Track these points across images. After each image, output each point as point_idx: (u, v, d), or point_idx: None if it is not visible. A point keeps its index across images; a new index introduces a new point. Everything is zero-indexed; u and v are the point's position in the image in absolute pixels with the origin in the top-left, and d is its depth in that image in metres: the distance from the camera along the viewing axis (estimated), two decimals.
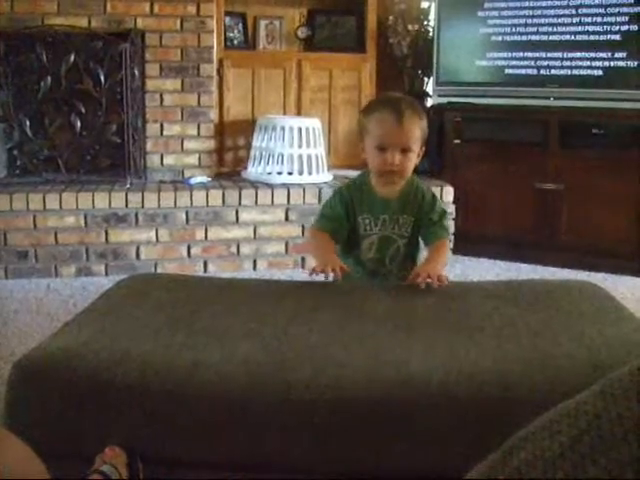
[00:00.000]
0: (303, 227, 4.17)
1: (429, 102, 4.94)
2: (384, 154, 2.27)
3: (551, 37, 4.32)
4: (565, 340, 1.73)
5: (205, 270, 4.11)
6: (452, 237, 4.08)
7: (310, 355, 1.67)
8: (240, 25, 4.94)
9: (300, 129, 4.36)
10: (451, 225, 4.24)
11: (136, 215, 4.02)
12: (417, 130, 2.29)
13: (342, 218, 2.39)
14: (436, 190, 4.07)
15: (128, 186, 4.14)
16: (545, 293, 2.15)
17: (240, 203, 4.14)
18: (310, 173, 4.35)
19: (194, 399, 1.55)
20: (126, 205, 4.00)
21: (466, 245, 4.37)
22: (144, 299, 2.06)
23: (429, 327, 1.86)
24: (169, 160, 4.49)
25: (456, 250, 4.27)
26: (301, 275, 3.84)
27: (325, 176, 4.42)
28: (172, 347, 1.69)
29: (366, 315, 1.93)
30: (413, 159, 2.31)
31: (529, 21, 4.38)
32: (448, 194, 4.36)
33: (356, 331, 1.82)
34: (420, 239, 2.46)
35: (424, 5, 5.13)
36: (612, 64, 4.18)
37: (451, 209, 4.33)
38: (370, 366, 1.62)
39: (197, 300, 2.07)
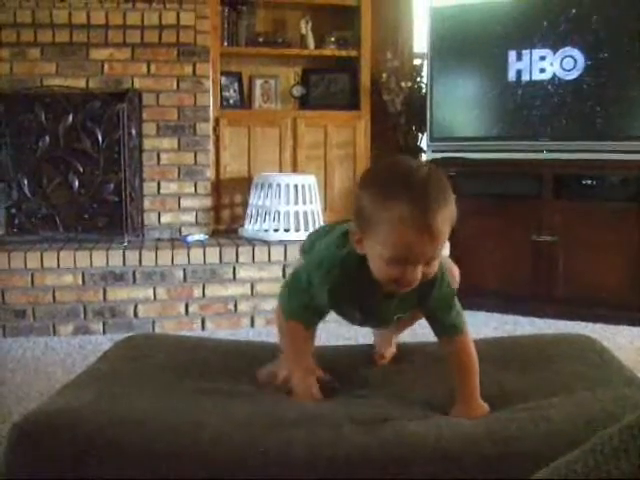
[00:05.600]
0: None
1: (423, 157, 5.00)
2: (400, 268, 1.58)
3: (542, 91, 4.39)
4: (557, 397, 1.73)
5: (203, 328, 4.12)
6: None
7: (307, 415, 1.67)
8: (236, 84, 5.01)
9: (296, 186, 4.40)
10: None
11: (134, 273, 4.03)
12: (449, 227, 1.61)
13: (326, 312, 1.84)
14: None
15: (125, 244, 4.16)
16: (536, 351, 2.15)
17: (237, 260, 4.16)
18: (306, 229, 4.37)
19: (196, 460, 1.55)
20: (124, 263, 4.02)
21: (463, 299, 4.32)
22: (143, 361, 2.07)
23: (419, 391, 1.87)
24: (166, 218, 4.52)
25: None
26: None
27: None
28: (172, 409, 1.70)
29: (359, 379, 1.94)
30: (438, 262, 1.68)
31: (521, 76, 4.45)
32: (444, 248, 4.37)
33: (351, 394, 1.84)
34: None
35: (416, 62, 5.22)
36: (603, 116, 4.24)
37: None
38: (367, 425, 1.62)
39: (195, 362, 2.08)
